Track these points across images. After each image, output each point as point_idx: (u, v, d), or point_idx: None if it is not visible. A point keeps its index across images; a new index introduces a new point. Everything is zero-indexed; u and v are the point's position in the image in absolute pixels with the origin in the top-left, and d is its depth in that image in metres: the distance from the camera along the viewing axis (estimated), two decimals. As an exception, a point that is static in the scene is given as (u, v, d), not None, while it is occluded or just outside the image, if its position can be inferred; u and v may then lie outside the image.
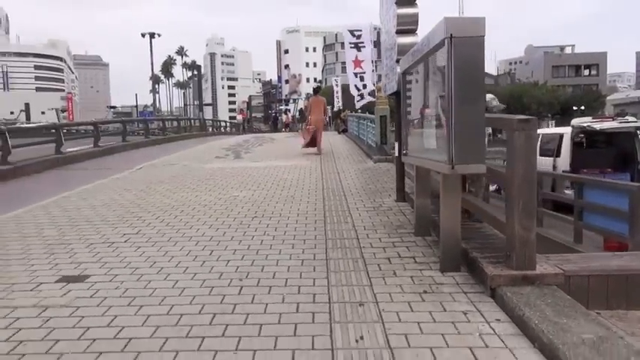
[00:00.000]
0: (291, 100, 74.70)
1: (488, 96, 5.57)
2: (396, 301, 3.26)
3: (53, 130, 12.49)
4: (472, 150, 3.35)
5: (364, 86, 14.76)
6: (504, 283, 3.28)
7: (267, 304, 3.26)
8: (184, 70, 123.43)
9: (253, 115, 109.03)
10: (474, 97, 3.25)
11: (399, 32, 5.59)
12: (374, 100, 12.32)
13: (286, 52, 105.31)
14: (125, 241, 4.83)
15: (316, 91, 13.90)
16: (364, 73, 14.62)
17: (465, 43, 3.22)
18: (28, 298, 3.44)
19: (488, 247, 3.93)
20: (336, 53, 77.70)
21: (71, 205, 6.66)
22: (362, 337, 2.78)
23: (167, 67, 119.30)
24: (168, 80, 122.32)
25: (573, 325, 2.67)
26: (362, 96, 14.69)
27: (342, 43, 14.99)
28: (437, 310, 3.11)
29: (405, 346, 2.67)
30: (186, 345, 2.72)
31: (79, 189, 7.94)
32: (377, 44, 13.08)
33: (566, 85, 68.81)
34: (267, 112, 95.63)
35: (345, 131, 22.60)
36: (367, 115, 14.98)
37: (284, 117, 42.06)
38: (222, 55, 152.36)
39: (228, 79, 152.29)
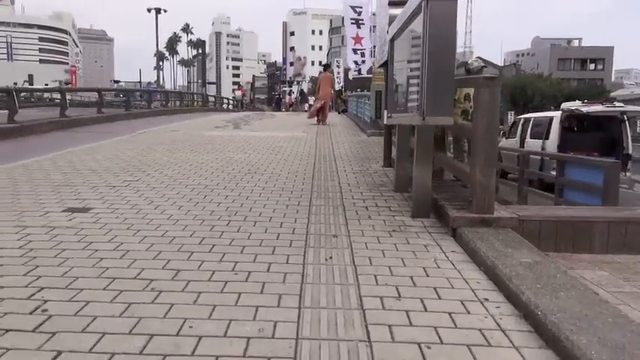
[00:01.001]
0: (295, 82, 74.84)
1: (473, 57, 5.90)
2: (366, 236, 3.64)
3: (59, 95, 12.80)
4: (441, 103, 3.69)
5: (363, 62, 15.21)
6: (464, 224, 3.66)
7: (251, 233, 3.65)
8: (189, 48, 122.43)
9: (257, 96, 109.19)
10: (445, 56, 3.58)
11: (391, 4, 5.91)
12: (369, 76, 12.64)
13: (292, 34, 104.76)
14: (126, 186, 5.21)
15: (326, 67, 14.95)
16: (364, 49, 15.03)
17: (438, 6, 3.54)
18: (37, 220, 3.84)
19: (456, 198, 4.30)
20: (342, 37, 77.40)
21: (76, 158, 7.04)
22: (331, 257, 3.16)
23: (172, 44, 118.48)
24: (173, 58, 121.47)
25: (515, 254, 3.05)
26: (359, 71, 15.24)
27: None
28: (401, 243, 3.50)
29: (367, 264, 3.06)
30: (177, 256, 3.12)
31: (83, 146, 8.33)
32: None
33: (571, 79, 68.47)
34: (271, 93, 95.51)
35: (345, 111, 22.85)
36: (365, 92, 15.25)
37: (287, 98, 42.22)
38: (227, 35, 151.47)
39: (233, 59, 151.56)
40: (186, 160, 6.94)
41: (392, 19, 5.77)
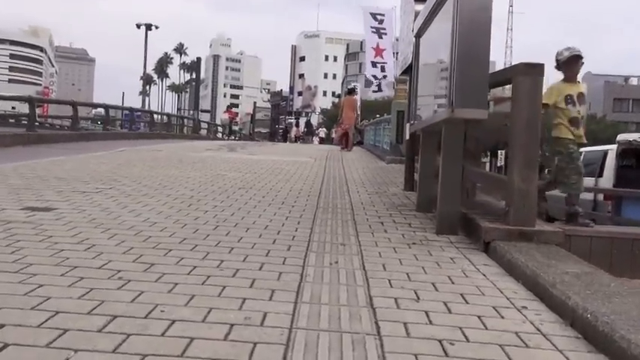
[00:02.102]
0: (303, 114, 76.25)
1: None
2: (380, 246, 3.63)
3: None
4: (473, 94, 3.74)
5: (384, 77, 15.52)
6: (499, 237, 3.62)
7: (242, 237, 3.66)
8: (182, 71, 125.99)
9: (257, 129, 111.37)
10: (478, 36, 3.66)
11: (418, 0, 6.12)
12: (391, 93, 12.90)
13: (302, 59, 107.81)
14: (98, 192, 5.27)
15: (350, 91, 17.01)
16: (385, 63, 15.28)
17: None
18: (-9, 215, 3.87)
19: (489, 213, 4.28)
20: (360, 64, 79.32)
21: (42, 167, 7.17)
22: (337, 262, 3.14)
23: (162, 65, 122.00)
24: (162, 82, 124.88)
25: (560, 265, 3.00)
26: (379, 87, 15.72)
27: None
28: (422, 254, 3.47)
29: (380, 270, 3.02)
30: (152, 252, 3.11)
31: (52, 158, 8.47)
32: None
33: (629, 122, 68.76)
34: (274, 126, 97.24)
35: (360, 143, 23.09)
36: (384, 117, 15.49)
37: (294, 130, 43.19)
38: (227, 59, 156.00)
39: (232, 86, 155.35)
40: (170, 175, 7.11)
41: (417, 15, 5.96)
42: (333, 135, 31.50)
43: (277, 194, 5.89)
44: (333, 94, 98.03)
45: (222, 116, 35.34)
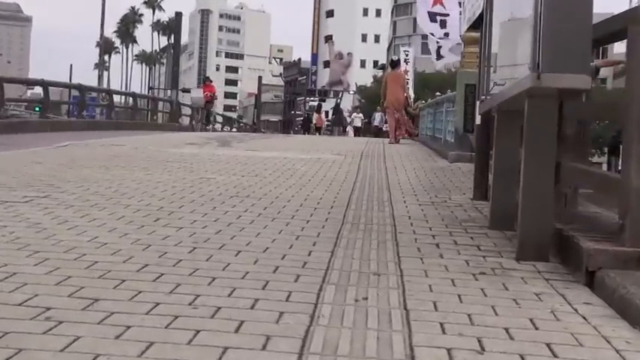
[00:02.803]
0: (331, 94, 76.65)
1: None
2: (432, 277, 3.63)
3: None
4: (569, 52, 3.72)
5: (446, 35, 15.19)
6: (609, 263, 3.57)
7: (228, 263, 3.70)
8: (156, 34, 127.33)
9: (265, 117, 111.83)
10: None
11: None
12: (458, 60, 12.94)
13: (330, 14, 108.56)
14: (26, 202, 5.40)
15: (395, 64, 17.77)
16: (447, 15, 14.92)
17: None
18: None
19: (596, 229, 4.23)
20: (414, 20, 78.99)
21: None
22: (365, 298, 3.14)
23: (127, 26, 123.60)
24: (128, 49, 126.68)
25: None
26: (439, 53, 15.81)
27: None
28: (493, 289, 3.46)
29: (428, 309, 3.01)
30: (96, 283, 3.16)
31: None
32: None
33: None
34: (289, 112, 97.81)
35: (411, 135, 23.13)
36: (447, 95, 15.49)
37: (315, 117, 43.60)
38: (221, 16, 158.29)
39: (229, 55, 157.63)
40: (133, 180, 7.28)
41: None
42: (376, 123, 31.64)
43: (286, 205, 5.97)
44: (375, 64, 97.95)
45: (192, 94, 30.60)
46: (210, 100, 28.10)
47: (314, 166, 9.76)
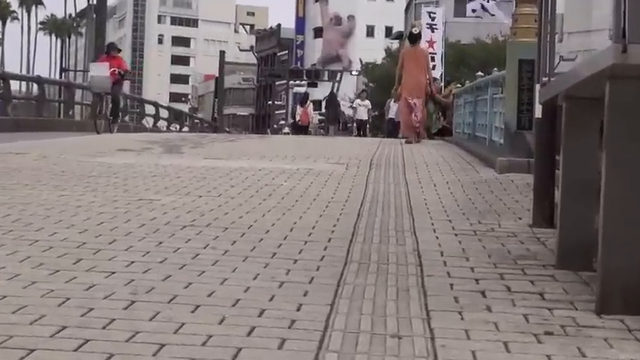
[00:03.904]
0: (326, 76, 76.75)
1: None
2: (476, 339, 3.63)
3: None
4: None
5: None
6: None
7: (182, 324, 3.69)
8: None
9: (231, 112, 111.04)
10: None
11: None
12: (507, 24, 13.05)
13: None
14: None
15: (414, 38, 18.95)
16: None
17: None
18: None
19: None
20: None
21: None
22: (382, 371, 3.15)
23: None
24: (29, 13, 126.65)
25: None
26: (484, 6, 17.02)
27: None
28: (565, 354, 3.46)
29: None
30: (6, 318, 3.15)
31: None
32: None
33: None
34: (265, 102, 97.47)
35: (444, 133, 23.17)
36: (492, 75, 15.55)
37: (298, 110, 43.59)
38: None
39: (177, 20, 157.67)
40: (41, 203, 7.32)
41: None
42: (392, 115, 31.50)
43: (264, 237, 5.98)
44: (389, 31, 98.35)
45: (92, 72, 26.69)
46: (118, 81, 24.58)
47: (303, 180, 9.78)
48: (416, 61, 17.57)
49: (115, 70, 23.70)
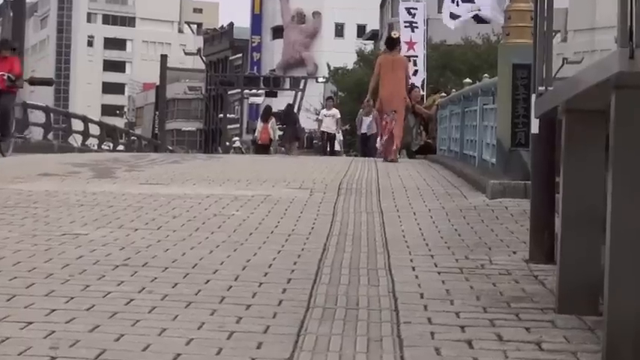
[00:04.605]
0: (288, 84, 76.70)
1: None
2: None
3: None
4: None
5: (415, 72, 21.08)
6: None
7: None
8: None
9: (174, 127, 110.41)
10: None
11: None
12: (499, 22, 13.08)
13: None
14: None
15: (393, 43, 19.23)
16: (416, 57, 21.94)
17: None
18: None
19: None
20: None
21: None
22: None
23: None
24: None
25: None
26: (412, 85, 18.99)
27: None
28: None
29: None
30: None
31: None
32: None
33: None
34: (215, 115, 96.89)
35: (426, 151, 23.24)
36: (482, 82, 15.61)
37: (259, 126, 43.56)
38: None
39: (110, 19, 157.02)
40: None
41: None
42: (365, 130, 31.54)
43: (211, 278, 5.97)
44: (361, 30, 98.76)
45: None
46: (8, 89, 21.97)
47: (259, 209, 9.79)
48: (394, 71, 17.73)
49: (3, 75, 21.34)
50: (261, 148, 40.63)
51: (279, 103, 63.68)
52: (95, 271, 6.08)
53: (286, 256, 6.96)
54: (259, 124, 43.39)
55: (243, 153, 49.99)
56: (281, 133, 44.65)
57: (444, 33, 48.52)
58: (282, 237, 7.91)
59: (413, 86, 27.05)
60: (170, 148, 57.54)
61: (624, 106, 4.18)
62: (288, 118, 44.03)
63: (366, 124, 30.56)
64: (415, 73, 31.06)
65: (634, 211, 4.17)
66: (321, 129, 38.95)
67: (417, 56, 31.89)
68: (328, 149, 37.36)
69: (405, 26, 32.84)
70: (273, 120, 43.48)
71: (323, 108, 43.97)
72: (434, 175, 15.69)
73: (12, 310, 4.92)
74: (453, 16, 20.60)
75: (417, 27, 32.48)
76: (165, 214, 9.10)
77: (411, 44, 32.07)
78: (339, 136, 40.48)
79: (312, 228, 8.55)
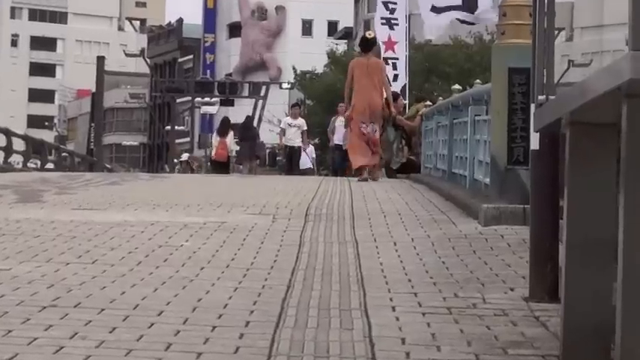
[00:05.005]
0: (247, 91, 76.73)
1: None
2: None
3: None
4: None
5: (395, 77, 22.12)
6: None
7: None
8: None
9: (113, 142, 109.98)
10: None
11: None
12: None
13: None
14: None
15: (368, 44, 19.64)
16: (397, 59, 22.93)
17: None
18: None
19: None
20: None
21: None
22: None
23: None
24: None
25: None
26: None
27: None
28: None
29: None
30: None
31: None
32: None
33: None
34: (162, 128, 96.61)
35: (409, 169, 23.29)
36: (473, 89, 15.67)
37: (215, 141, 43.62)
38: None
39: (37, 14, 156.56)
40: None
41: None
42: (338, 141, 31.48)
43: (155, 322, 5.92)
44: (332, 28, 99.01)
45: None
46: None
47: (212, 239, 9.79)
48: (369, 77, 17.96)
49: None
50: (219, 166, 40.51)
51: (236, 114, 63.60)
52: (18, 313, 6.03)
53: (244, 294, 6.94)
54: (215, 139, 43.31)
55: (193, 171, 49.98)
56: (238, 148, 44.39)
57: (430, 31, 48.71)
58: (240, 272, 7.89)
59: (397, 95, 27.05)
60: (108, 166, 57.52)
61: (637, 117, 4.20)
62: (246, 132, 43.65)
63: (342, 133, 29.45)
64: (395, 78, 31.03)
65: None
66: (284, 142, 38.06)
67: (397, 58, 31.84)
68: (292, 166, 36.91)
69: (383, 23, 32.82)
70: (232, 133, 43.36)
71: (287, 116, 42.44)
72: (417, 197, 15.70)
73: None
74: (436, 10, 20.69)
75: (396, 24, 32.53)
76: (102, 246, 9.05)
77: (389, 44, 32.03)
78: (311, 150, 40.22)
79: (275, 261, 8.53)
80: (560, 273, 6.60)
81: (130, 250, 8.86)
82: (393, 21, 32.49)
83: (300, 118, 39.08)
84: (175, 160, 67.23)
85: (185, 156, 54.34)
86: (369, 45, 19.29)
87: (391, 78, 24.23)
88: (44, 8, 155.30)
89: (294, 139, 37.23)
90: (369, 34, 20.37)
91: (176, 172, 48.54)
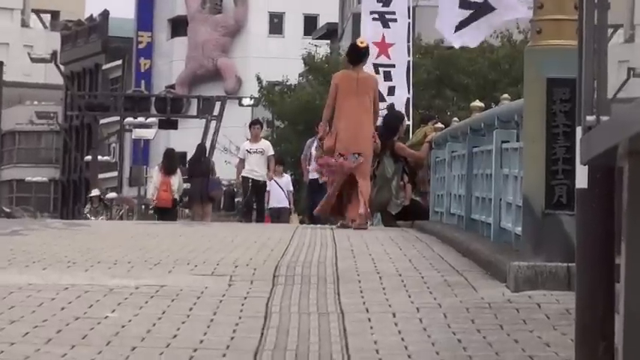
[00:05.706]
0: (197, 109, 76.91)
1: None
2: None
3: None
4: None
5: (390, 90, 21.55)
6: None
7: None
8: None
9: (13, 177, 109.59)
10: None
11: None
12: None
13: None
14: None
15: (359, 55, 20.09)
16: (392, 66, 22.07)
17: None
18: None
19: None
20: None
21: None
22: None
23: None
24: None
25: None
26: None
27: None
28: None
29: None
30: None
31: None
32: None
33: None
34: (79, 158, 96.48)
35: (413, 214, 23.41)
36: (502, 104, 15.76)
37: (154, 177, 43.84)
38: None
39: None
40: None
41: None
42: (311, 176, 31.43)
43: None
44: (310, 25, 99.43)
45: None
46: None
47: (146, 309, 9.78)
48: (359, 95, 18.12)
49: None
50: (161, 213, 40.37)
51: (180, 139, 63.72)
52: None
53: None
54: (156, 177, 43.16)
55: (120, 217, 50.03)
56: (187, 185, 43.88)
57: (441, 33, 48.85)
58: (185, 353, 7.77)
59: (402, 117, 26.90)
60: (7, 210, 57.67)
61: None
62: (196, 166, 43.41)
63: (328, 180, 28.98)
64: (391, 91, 30.60)
65: None
66: (243, 174, 37.03)
67: (393, 65, 31.43)
68: (255, 207, 36.47)
69: (374, 19, 32.41)
70: (179, 173, 43.09)
71: (246, 140, 40.48)
72: (425, 252, 15.68)
73: None
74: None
75: (393, 20, 32.20)
76: (-2, 318, 9.01)
77: (383, 47, 31.54)
78: (287, 182, 39.67)
79: (232, 338, 8.43)
80: (616, 355, 6.61)
81: (35, 323, 8.80)
82: (388, 15, 32.10)
83: (263, 140, 38.64)
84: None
85: (95, 191, 53.60)
86: (360, 56, 19.48)
87: (384, 92, 24.09)
88: None
89: (257, 169, 36.36)
90: (362, 43, 20.32)
91: (85, 213, 47.79)
